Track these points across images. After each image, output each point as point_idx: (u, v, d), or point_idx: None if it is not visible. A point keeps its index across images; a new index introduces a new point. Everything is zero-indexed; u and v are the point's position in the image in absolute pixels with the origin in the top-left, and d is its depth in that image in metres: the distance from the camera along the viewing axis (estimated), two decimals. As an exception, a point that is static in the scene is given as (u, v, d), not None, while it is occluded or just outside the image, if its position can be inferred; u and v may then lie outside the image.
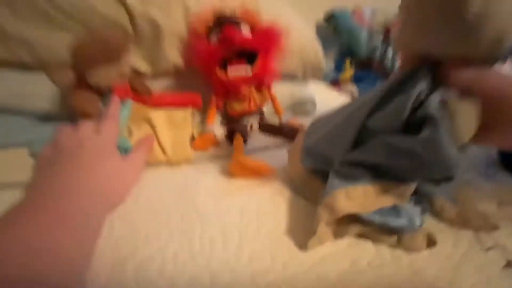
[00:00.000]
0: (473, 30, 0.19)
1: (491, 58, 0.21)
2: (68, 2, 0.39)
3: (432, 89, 0.22)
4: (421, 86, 0.21)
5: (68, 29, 0.39)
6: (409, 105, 0.21)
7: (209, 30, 0.44)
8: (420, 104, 0.22)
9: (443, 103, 0.21)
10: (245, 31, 0.44)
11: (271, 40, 0.44)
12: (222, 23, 0.43)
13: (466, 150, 0.23)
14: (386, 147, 0.23)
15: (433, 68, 0.22)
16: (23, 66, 0.39)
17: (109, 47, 0.35)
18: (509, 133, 0.21)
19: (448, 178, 0.23)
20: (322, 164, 0.29)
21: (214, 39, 0.43)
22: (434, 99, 0.21)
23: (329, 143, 0.29)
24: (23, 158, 0.36)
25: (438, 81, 0.22)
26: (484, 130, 0.20)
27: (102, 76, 0.35)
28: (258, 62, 0.43)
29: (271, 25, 0.45)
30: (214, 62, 0.42)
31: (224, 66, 0.42)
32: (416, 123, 0.22)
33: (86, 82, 0.35)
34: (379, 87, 0.24)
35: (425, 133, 0.21)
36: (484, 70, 0.21)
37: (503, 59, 0.22)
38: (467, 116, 0.20)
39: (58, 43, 0.39)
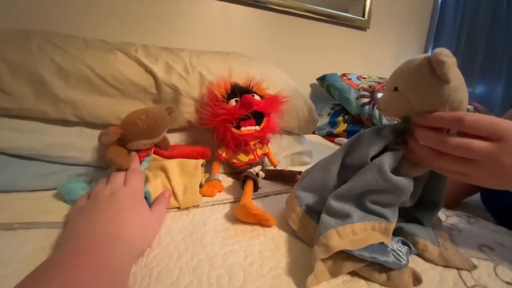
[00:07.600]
0: (451, 94, 0.26)
1: None
2: (109, 73, 0.49)
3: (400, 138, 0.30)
4: (387, 135, 0.30)
5: (107, 94, 0.48)
6: (373, 150, 0.30)
7: (228, 97, 0.54)
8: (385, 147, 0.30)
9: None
10: (257, 97, 0.54)
11: (276, 105, 0.55)
12: (239, 91, 0.53)
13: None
14: (361, 174, 0.30)
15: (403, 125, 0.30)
16: (64, 122, 0.47)
17: (154, 130, 0.42)
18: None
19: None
20: (314, 201, 0.34)
21: (232, 103, 0.52)
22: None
23: (318, 180, 0.35)
24: (50, 200, 0.40)
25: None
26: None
27: (139, 145, 0.42)
28: (264, 121, 0.53)
29: (275, 94, 0.56)
30: (231, 121, 0.51)
31: (236, 126, 0.51)
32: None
33: (124, 144, 0.41)
34: (354, 136, 0.33)
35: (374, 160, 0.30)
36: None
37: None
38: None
39: (97, 105, 0.47)
